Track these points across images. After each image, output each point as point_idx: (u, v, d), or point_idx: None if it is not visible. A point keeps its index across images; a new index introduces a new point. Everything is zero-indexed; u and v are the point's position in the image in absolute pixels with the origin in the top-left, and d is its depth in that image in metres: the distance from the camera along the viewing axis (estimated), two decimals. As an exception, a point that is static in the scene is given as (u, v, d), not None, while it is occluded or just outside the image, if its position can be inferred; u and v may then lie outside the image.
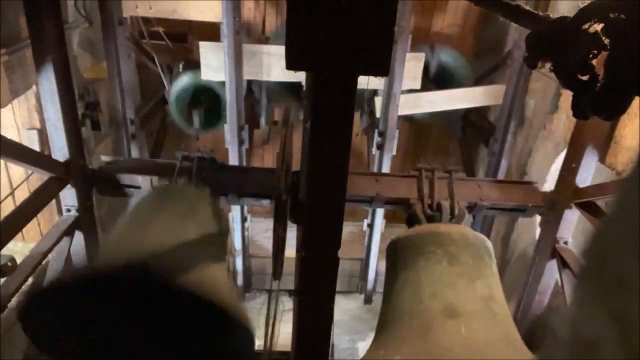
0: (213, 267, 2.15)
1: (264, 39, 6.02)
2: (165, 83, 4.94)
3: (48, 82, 2.48)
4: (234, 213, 5.17)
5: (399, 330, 1.90)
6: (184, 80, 4.99)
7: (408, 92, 4.68)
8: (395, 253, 2.35)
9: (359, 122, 5.72)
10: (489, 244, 2.36)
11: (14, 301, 2.39)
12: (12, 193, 3.97)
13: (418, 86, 4.71)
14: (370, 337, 2.29)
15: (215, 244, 2.51)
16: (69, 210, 2.85)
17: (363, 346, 5.29)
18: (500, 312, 1.96)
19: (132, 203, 2.59)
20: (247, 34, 5.85)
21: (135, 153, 4.60)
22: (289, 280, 2.24)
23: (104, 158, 3.01)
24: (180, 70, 5.07)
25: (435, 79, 5.44)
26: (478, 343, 1.73)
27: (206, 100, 5.19)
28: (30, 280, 2.60)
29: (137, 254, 1.81)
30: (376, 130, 4.80)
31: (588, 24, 1.02)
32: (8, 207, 3.05)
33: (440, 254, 2.09)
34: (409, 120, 5.44)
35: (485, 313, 1.89)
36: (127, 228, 2.31)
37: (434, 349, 1.68)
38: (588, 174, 2.75)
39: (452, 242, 2.16)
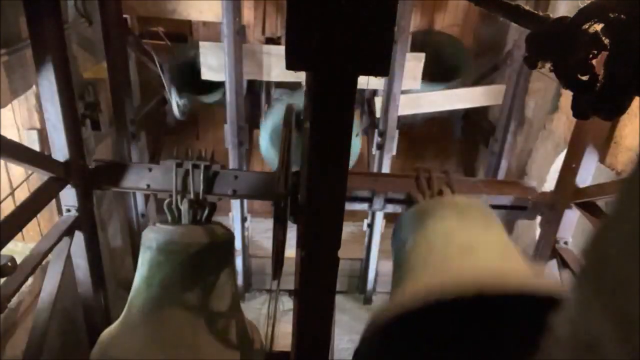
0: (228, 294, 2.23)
1: (264, 39, 6.01)
2: (165, 83, 4.94)
3: (48, 82, 2.48)
4: (234, 213, 5.17)
5: (414, 275, 1.79)
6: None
7: (408, 92, 4.68)
8: (401, 226, 2.28)
9: (359, 122, 5.72)
10: (494, 213, 2.32)
11: (14, 301, 2.39)
12: (12, 193, 3.97)
13: (418, 86, 4.71)
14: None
15: (226, 262, 2.77)
16: (69, 210, 2.85)
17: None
18: (516, 255, 1.88)
19: (144, 246, 2.73)
20: (247, 34, 5.85)
21: (135, 153, 4.60)
22: (289, 280, 2.24)
23: (104, 158, 3.01)
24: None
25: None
26: (497, 268, 1.65)
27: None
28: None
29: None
30: (376, 130, 4.80)
31: (588, 24, 1.02)
32: (8, 207, 3.05)
33: (449, 211, 2.04)
34: (408, 124, 5.43)
35: (501, 248, 1.82)
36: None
37: (452, 275, 1.59)
38: (588, 174, 2.75)
39: (459, 204, 2.12)
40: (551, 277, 1.79)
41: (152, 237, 2.64)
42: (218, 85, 4.87)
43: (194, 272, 2.59)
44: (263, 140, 5.15)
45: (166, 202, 2.76)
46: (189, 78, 5.03)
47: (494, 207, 2.92)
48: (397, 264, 2.07)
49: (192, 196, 2.73)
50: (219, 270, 2.69)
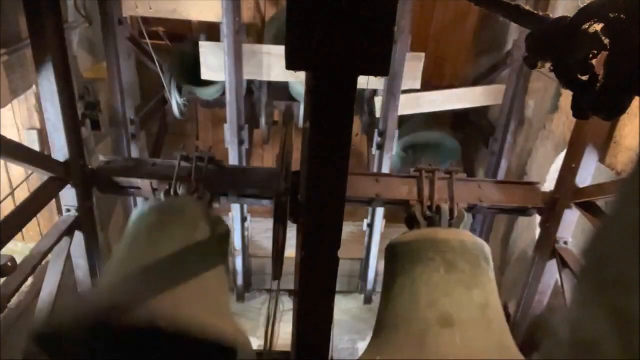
0: (215, 290, 2.15)
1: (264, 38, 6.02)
2: (165, 83, 4.94)
3: (48, 82, 2.48)
4: (234, 213, 5.17)
5: (395, 336, 1.94)
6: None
7: (408, 92, 4.68)
8: (393, 257, 2.37)
9: (359, 122, 5.72)
10: (487, 249, 2.37)
11: (14, 301, 2.39)
12: (12, 193, 3.97)
13: (418, 86, 4.71)
14: (370, 337, 2.29)
15: (217, 255, 2.51)
16: (69, 210, 2.85)
17: (363, 346, 5.29)
18: (496, 320, 1.99)
19: (132, 219, 2.54)
20: (247, 34, 5.85)
21: (135, 153, 4.60)
22: (289, 280, 2.24)
23: (104, 158, 3.01)
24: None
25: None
26: (472, 351, 1.77)
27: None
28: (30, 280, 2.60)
29: (130, 291, 1.80)
30: (376, 130, 4.80)
31: (588, 24, 1.02)
32: (8, 207, 3.05)
33: (438, 261, 2.12)
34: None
35: (481, 321, 1.93)
36: (128, 253, 2.29)
37: (429, 357, 1.72)
38: (588, 174, 2.75)
39: (450, 249, 2.18)
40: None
41: (143, 209, 2.55)
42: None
43: (179, 237, 2.42)
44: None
45: (163, 191, 2.71)
46: (191, 71, 5.00)
47: (494, 207, 2.93)
48: (384, 297, 2.22)
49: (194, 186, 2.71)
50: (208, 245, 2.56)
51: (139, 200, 4.55)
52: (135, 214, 2.58)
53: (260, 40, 6.03)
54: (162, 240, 2.28)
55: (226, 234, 2.75)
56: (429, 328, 1.84)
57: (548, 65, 1.14)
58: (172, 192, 2.68)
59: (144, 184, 2.87)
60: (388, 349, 1.90)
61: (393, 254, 2.37)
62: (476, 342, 1.81)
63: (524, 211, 2.99)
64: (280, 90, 5.42)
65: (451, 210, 2.58)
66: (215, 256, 2.55)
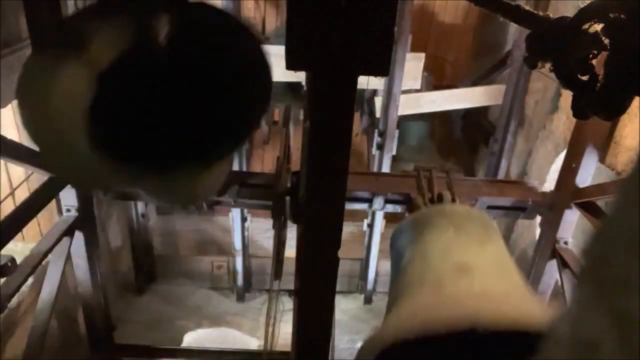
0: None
1: (264, 39, 6.02)
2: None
3: (48, 82, 2.48)
4: (234, 213, 5.17)
5: (410, 292, 1.82)
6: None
7: (408, 92, 4.69)
8: (399, 237, 2.29)
9: (359, 122, 5.72)
10: (494, 222, 2.33)
11: (14, 301, 2.39)
12: (12, 193, 3.97)
13: (418, 86, 4.72)
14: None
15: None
16: (69, 210, 2.85)
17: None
18: (511, 270, 1.90)
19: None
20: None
21: (135, 153, 4.60)
22: (289, 280, 2.25)
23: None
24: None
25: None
26: (492, 294, 1.67)
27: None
28: (30, 280, 2.59)
29: None
30: (376, 130, 4.80)
31: (588, 24, 1.02)
32: (8, 207, 3.05)
33: (447, 223, 2.05)
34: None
35: (497, 269, 1.84)
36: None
37: (446, 301, 1.60)
38: (588, 174, 2.75)
39: (458, 215, 2.13)
40: (545, 305, 1.82)
41: None
42: None
43: None
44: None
45: None
46: None
47: (494, 207, 2.92)
48: (393, 277, 2.10)
49: None
50: None
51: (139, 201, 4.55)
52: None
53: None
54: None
55: None
56: (445, 279, 1.73)
57: (548, 65, 1.14)
58: None
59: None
60: (405, 302, 1.78)
61: (398, 232, 2.29)
62: (494, 288, 1.72)
63: (523, 210, 2.99)
64: (280, 90, 5.42)
65: (453, 198, 2.56)
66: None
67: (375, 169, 4.91)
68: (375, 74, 1.11)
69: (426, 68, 4.79)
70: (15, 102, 3.75)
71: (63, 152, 1.24)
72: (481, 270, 1.77)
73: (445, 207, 2.29)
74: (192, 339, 5.35)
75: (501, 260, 1.92)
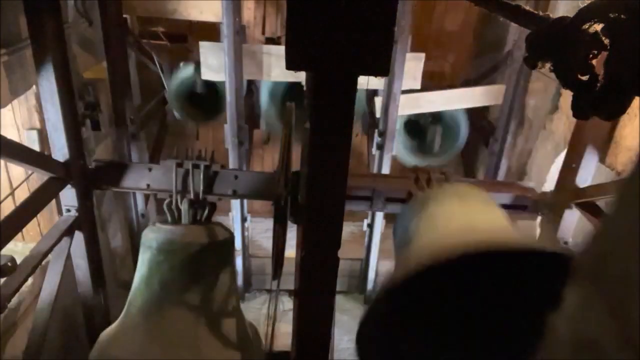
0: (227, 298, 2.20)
1: (264, 39, 6.02)
2: (165, 83, 4.94)
3: (48, 82, 2.48)
4: (234, 213, 5.17)
5: (416, 251, 1.81)
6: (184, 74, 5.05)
7: (408, 92, 4.68)
8: (403, 215, 2.28)
9: (359, 122, 5.72)
10: (494, 200, 2.33)
11: (14, 301, 2.39)
12: (12, 193, 3.97)
13: (418, 86, 4.71)
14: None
15: (225, 268, 2.75)
16: (69, 210, 2.84)
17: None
18: (514, 233, 1.91)
19: (143, 249, 2.73)
20: (247, 34, 5.85)
21: (135, 153, 4.60)
22: (289, 280, 2.24)
23: (104, 158, 3.01)
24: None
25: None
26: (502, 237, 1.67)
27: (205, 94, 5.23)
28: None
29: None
30: (376, 130, 4.80)
31: (588, 24, 1.02)
32: (8, 207, 3.05)
33: (451, 194, 2.06)
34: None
35: (504, 230, 1.84)
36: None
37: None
38: (588, 174, 2.75)
39: (459, 190, 2.14)
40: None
41: (152, 237, 2.64)
42: (219, 104, 4.94)
43: (193, 272, 2.59)
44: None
45: (166, 202, 2.75)
46: (189, 97, 5.12)
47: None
48: (399, 247, 2.07)
49: (192, 196, 2.73)
50: (219, 270, 2.68)
51: (139, 199, 4.55)
52: (144, 244, 2.68)
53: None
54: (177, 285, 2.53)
55: (231, 241, 2.83)
56: (451, 236, 1.72)
57: (548, 65, 1.14)
58: (173, 205, 2.74)
59: (143, 181, 2.88)
60: (413, 257, 1.76)
61: (404, 213, 2.28)
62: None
63: (524, 209, 2.99)
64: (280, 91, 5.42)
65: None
66: (224, 263, 2.72)
67: (375, 169, 4.91)
68: (375, 74, 1.11)
69: (426, 68, 4.79)
70: (15, 102, 3.75)
71: None
72: (486, 229, 1.77)
73: (447, 186, 2.29)
74: (192, 339, 5.35)
75: (506, 224, 1.92)
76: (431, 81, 5.52)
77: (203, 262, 2.60)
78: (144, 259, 2.66)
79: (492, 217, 1.92)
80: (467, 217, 1.86)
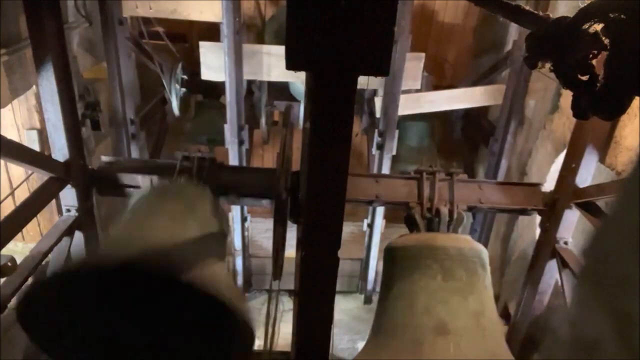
0: (214, 266, 2.13)
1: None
2: (165, 83, 4.94)
3: (48, 82, 2.48)
4: (234, 213, 5.17)
5: (391, 341, 1.99)
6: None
7: (408, 92, 4.68)
8: (392, 260, 2.38)
9: (359, 122, 5.72)
10: (485, 254, 2.39)
11: (14, 301, 2.38)
12: (12, 193, 3.97)
13: (418, 86, 4.72)
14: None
15: (215, 244, 2.50)
16: (69, 210, 2.84)
17: (363, 346, 5.29)
18: (490, 328, 2.04)
19: (131, 201, 2.56)
20: (248, 34, 5.86)
21: (135, 153, 4.60)
22: (289, 280, 2.25)
23: (104, 158, 3.01)
24: (179, 71, 5.08)
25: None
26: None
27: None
28: (30, 279, 2.60)
29: (137, 250, 1.81)
30: (376, 130, 4.80)
31: (588, 24, 1.02)
32: (8, 207, 3.05)
33: (436, 269, 2.16)
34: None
35: (475, 330, 1.97)
36: (126, 227, 2.30)
37: None
38: (588, 174, 2.75)
39: (448, 257, 2.21)
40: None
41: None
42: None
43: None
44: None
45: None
46: None
47: (494, 207, 2.92)
48: (380, 306, 2.26)
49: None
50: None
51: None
52: (134, 195, 2.58)
53: (260, 40, 6.03)
54: (161, 215, 2.29)
55: (226, 221, 2.76)
56: (424, 336, 1.90)
57: (548, 65, 1.14)
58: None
59: (144, 181, 2.87)
60: (384, 353, 1.94)
61: (391, 256, 2.38)
62: (470, 351, 1.86)
63: (523, 211, 2.99)
64: (280, 90, 5.42)
65: (450, 213, 2.58)
66: (214, 237, 2.57)
67: (375, 169, 4.91)
68: (375, 74, 1.11)
69: (426, 68, 4.79)
70: (15, 102, 3.75)
71: None
72: (459, 333, 1.93)
73: (437, 242, 2.33)
74: (192, 339, 5.35)
75: (482, 314, 2.05)
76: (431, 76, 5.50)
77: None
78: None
79: (472, 308, 2.06)
80: (445, 307, 2.02)
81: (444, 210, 2.59)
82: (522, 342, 3.17)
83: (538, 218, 3.10)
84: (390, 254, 2.42)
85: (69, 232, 2.81)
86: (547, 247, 2.98)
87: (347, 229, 5.96)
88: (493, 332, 2.03)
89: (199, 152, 2.84)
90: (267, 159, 7.33)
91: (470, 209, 2.83)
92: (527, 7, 1.30)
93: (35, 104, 3.96)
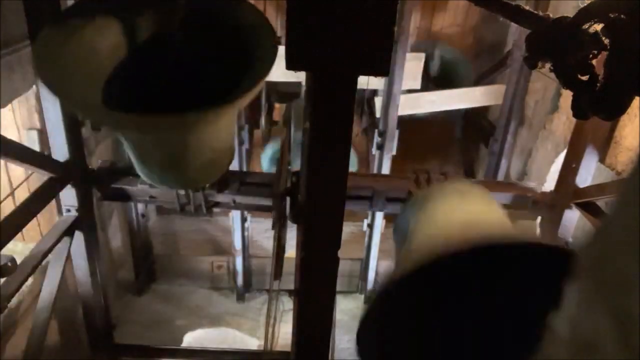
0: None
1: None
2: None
3: (48, 82, 2.48)
4: (234, 213, 5.18)
5: (417, 249, 1.81)
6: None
7: (408, 92, 4.69)
8: (403, 214, 2.29)
9: (359, 122, 5.72)
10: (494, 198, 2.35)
11: (14, 301, 2.39)
12: (12, 193, 3.97)
13: (418, 86, 4.72)
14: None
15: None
16: (69, 210, 2.84)
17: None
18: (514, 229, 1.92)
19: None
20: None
21: (135, 153, 4.60)
22: (289, 280, 2.25)
23: (104, 159, 3.01)
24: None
25: (437, 77, 5.45)
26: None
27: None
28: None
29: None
30: (376, 130, 4.80)
31: (588, 24, 1.02)
32: (8, 207, 3.05)
33: (450, 194, 2.07)
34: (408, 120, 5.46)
35: (504, 227, 1.86)
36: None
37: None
38: (588, 174, 2.75)
39: (459, 187, 2.15)
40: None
41: None
42: None
43: None
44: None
45: None
46: None
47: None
48: (399, 245, 2.08)
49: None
50: None
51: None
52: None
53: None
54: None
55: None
56: (452, 232, 1.72)
57: (548, 65, 1.14)
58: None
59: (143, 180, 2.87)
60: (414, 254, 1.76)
61: (404, 212, 2.28)
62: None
63: (523, 211, 2.99)
64: (280, 90, 5.42)
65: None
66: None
67: (375, 169, 4.91)
68: (375, 74, 1.10)
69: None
70: (15, 102, 3.75)
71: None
72: (485, 227, 1.77)
73: (446, 183, 2.30)
74: (192, 339, 5.35)
75: (504, 222, 1.93)
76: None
77: None
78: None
79: (493, 214, 1.93)
80: (467, 213, 1.87)
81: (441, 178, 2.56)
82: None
83: (538, 218, 3.10)
84: (401, 213, 2.34)
85: (69, 232, 2.82)
86: (547, 247, 2.98)
87: (347, 229, 5.96)
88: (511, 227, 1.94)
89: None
90: (267, 159, 7.32)
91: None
92: (527, 7, 1.30)
93: (35, 104, 3.96)
